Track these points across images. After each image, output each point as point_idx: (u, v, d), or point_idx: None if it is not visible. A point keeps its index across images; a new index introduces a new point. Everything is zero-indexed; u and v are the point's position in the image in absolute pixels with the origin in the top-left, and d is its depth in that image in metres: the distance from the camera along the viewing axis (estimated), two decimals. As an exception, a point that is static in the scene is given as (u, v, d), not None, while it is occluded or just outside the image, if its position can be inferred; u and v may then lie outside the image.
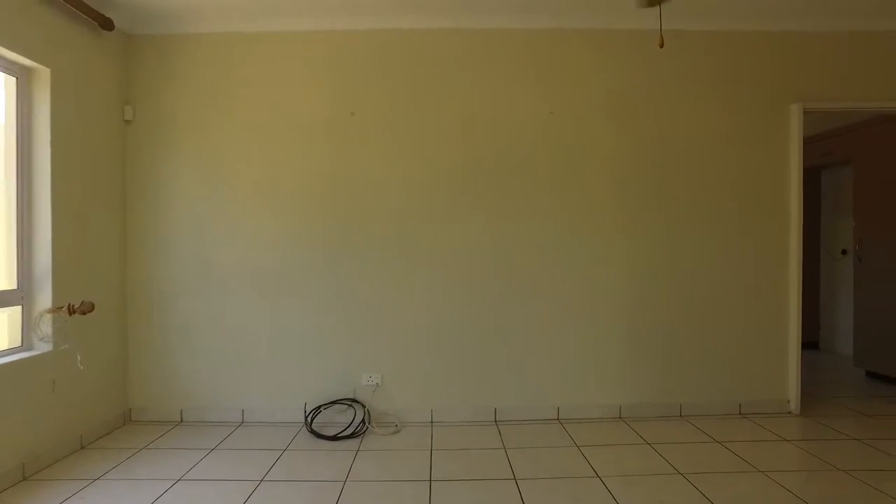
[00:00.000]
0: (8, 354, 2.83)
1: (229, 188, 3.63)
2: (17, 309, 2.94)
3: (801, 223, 3.73)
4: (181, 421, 3.62)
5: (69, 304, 3.05)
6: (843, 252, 5.59)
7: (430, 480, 2.72)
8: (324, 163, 3.62)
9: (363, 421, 3.51)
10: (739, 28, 3.69)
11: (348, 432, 3.39)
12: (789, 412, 3.72)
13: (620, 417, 3.65)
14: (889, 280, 4.41)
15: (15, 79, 2.93)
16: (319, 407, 3.57)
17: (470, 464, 2.92)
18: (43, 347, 2.96)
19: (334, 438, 3.32)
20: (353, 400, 3.61)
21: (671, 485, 2.63)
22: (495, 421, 3.62)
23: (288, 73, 3.63)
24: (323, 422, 3.55)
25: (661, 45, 1.94)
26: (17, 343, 2.94)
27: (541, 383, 3.67)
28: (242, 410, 3.63)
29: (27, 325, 2.96)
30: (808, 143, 5.03)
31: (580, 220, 3.67)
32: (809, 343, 5.60)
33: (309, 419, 3.51)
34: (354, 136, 3.63)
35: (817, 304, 5.81)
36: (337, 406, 3.60)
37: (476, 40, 3.65)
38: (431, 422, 3.62)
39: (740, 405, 3.71)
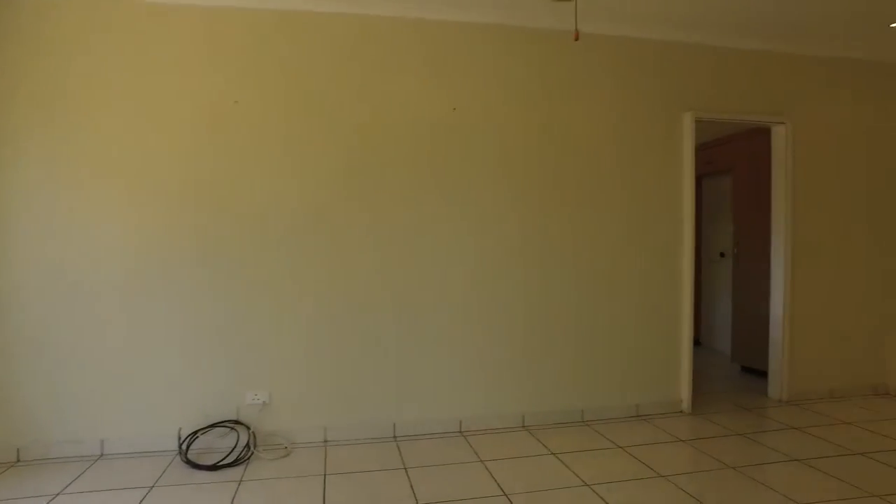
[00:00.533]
0: None
1: (86, 179, 3.08)
2: None
3: (694, 226, 3.87)
4: (17, 461, 3.02)
5: None
6: (721, 255, 5.98)
7: (325, 513, 2.44)
8: (203, 154, 3.19)
9: (248, 445, 3.13)
10: (644, 35, 3.74)
11: (230, 459, 3.00)
12: (681, 411, 3.84)
13: (524, 427, 3.56)
14: (761, 281, 4.72)
15: None
16: (197, 432, 3.14)
17: (368, 489, 2.67)
18: None
19: (213, 468, 2.92)
20: (237, 421, 3.22)
21: (580, 499, 2.55)
22: (394, 437, 3.39)
23: (161, 49, 3.15)
24: (201, 448, 3.13)
25: (577, 38, 1.83)
26: None
27: (442, 395, 3.49)
28: (102, 441, 3.10)
29: None
30: (696, 151, 5.30)
31: (477, 223, 3.53)
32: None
33: (184, 447, 3.07)
34: (238, 127, 3.22)
35: (699, 304, 6.19)
36: (217, 429, 3.19)
37: (374, 28, 3.39)
38: (325, 441, 3.31)
39: (638, 406, 3.77)
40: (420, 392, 3.45)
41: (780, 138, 4.11)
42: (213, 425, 3.17)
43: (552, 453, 3.11)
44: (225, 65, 3.20)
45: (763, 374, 4.76)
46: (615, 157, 3.73)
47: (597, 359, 3.71)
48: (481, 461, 3.00)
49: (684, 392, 3.84)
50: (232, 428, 3.19)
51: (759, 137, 4.75)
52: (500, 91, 3.55)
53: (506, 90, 3.56)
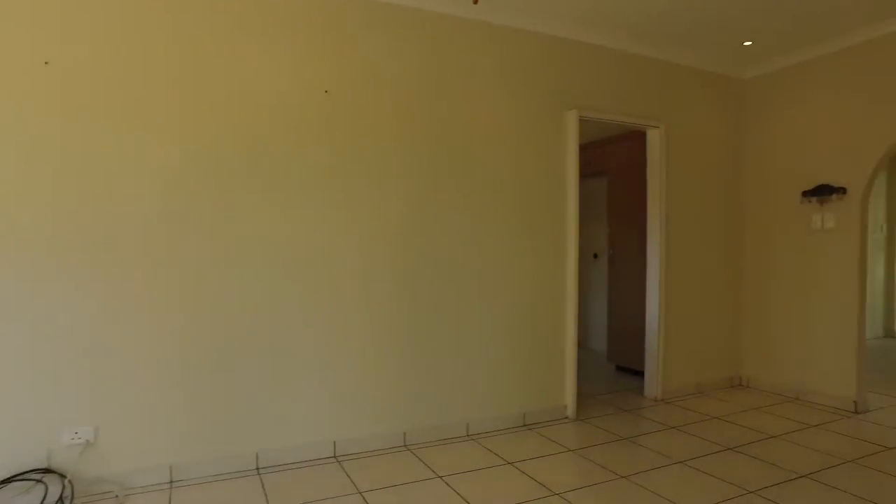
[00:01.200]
0: None
1: None
2: None
3: (578, 228, 3.80)
4: None
5: None
6: (595, 256, 6.13)
7: (160, 585, 1.93)
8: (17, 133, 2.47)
9: (61, 499, 2.47)
10: (533, 28, 3.59)
11: (35, 521, 2.34)
12: (566, 417, 3.75)
13: (406, 446, 3.24)
14: (634, 282, 4.85)
15: None
16: (-14, 488, 2.42)
17: (222, 544, 2.19)
18: None
19: (8, 536, 2.25)
20: (47, 470, 2.53)
21: (471, 530, 2.28)
22: (257, 469, 2.90)
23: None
24: (-7, 509, 2.42)
25: (476, 2, 1.56)
26: None
27: (312, 416, 3.06)
28: None
29: None
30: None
31: (352, 223, 3.16)
32: (568, 340, 6.00)
33: (-35, 511, 2.35)
34: (54, 96, 2.55)
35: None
36: (17, 484, 2.48)
37: (234, -9, 2.88)
38: (171, 482, 2.74)
39: (524, 415, 3.61)
40: (287, 414, 2.99)
41: (655, 141, 4.20)
42: (10, 479, 2.46)
43: (439, 476, 2.81)
44: (34, 20, 2.51)
45: (637, 372, 4.88)
46: (500, 152, 3.54)
47: (482, 367, 3.49)
48: (359, 492, 2.63)
49: (569, 397, 3.76)
50: (39, 480, 2.51)
51: (634, 141, 4.86)
52: (379, 74, 3.20)
53: (385, 73, 3.21)
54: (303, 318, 3.02)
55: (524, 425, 3.59)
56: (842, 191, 3.89)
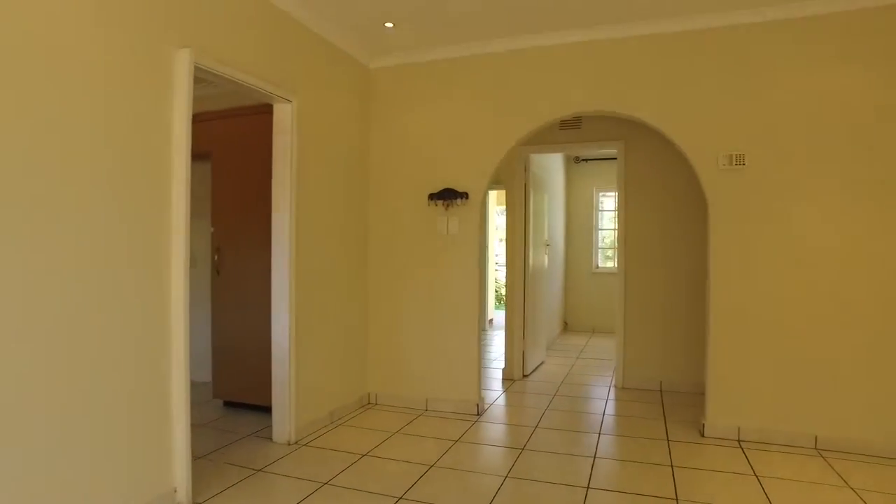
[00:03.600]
0: None
1: None
2: None
3: (188, 221, 2.59)
4: None
5: None
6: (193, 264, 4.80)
7: None
8: None
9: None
10: None
11: None
12: (177, 506, 2.50)
13: None
14: (251, 295, 3.87)
15: None
16: None
17: None
18: None
19: None
20: None
21: None
22: None
23: None
24: None
25: None
26: None
27: None
28: None
29: None
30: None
31: None
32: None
33: None
34: None
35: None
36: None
37: None
38: None
39: (106, 530, 2.18)
40: None
41: (287, 118, 3.34)
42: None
43: None
44: None
45: (255, 407, 3.91)
46: (79, 99, 2.04)
47: (26, 463, 1.91)
48: None
49: (181, 475, 2.50)
50: None
51: (245, 118, 3.88)
52: None
53: None
54: None
55: (107, 547, 2.17)
56: (465, 196, 3.91)
